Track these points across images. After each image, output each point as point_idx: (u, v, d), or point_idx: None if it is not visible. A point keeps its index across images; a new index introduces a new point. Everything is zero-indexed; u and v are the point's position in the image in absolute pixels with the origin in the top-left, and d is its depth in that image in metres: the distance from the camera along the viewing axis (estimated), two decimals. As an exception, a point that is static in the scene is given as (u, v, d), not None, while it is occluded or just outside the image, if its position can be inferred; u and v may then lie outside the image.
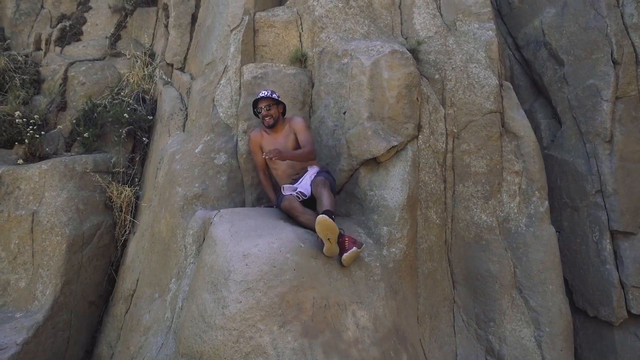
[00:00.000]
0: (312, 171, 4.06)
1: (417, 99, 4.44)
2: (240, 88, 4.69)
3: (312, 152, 4.01)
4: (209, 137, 4.56)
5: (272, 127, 4.20)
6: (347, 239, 3.59)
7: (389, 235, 4.00)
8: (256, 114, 4.28)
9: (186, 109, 5.11)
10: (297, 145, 4.17)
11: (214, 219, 3.81)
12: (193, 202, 4.23)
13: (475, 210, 4.54)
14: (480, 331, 4.28)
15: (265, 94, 4.19)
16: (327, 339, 3.30)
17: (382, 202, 4.10)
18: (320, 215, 3.40)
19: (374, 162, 4.27)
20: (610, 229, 4.61)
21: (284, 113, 4.34)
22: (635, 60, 4.82)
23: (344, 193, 4.37)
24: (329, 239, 3.48)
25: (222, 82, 4.74)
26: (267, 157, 3.70)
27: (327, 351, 3.26)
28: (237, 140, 4.54)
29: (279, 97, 4.24)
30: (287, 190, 3.91)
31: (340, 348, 3.32)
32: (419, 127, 4.46)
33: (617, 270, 4.51)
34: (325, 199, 3.68)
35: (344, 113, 4.45)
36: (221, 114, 4.61)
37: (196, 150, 4.50)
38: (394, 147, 4.22)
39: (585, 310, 4.64)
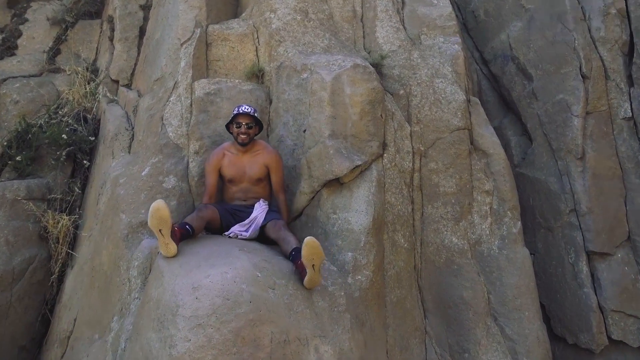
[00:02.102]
0: (262, 209, 4.13)
1: (381, 115, 4.47)
2: (191, 105, 4.65)
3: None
4: (157, 159, 4.49)
5: (244, 146, 4.25)
6: (299, 262, 3.56)
7: (354, 262, 3.95)
8: (227, 127, 4.33)
9: (132, 128, 5.04)
10: (264, 177, 4.25)
11: None
12: (139, 231, 4.14)
13: (445, 232, 4.56)
14: (454, 363, 4.24)
15: (249, 110, 4.27)
16: (287, 379, 3.18)
17: (346, 226, 4.08)
18: (309, 237, 3.40)
19: (337, 183, 4.26)
20: (586, 249, 4.67)
21: (256, 134, 4.43)
22: (604, 75, 4.97)
23: (305, 217, 4.33)
24: (313, 266, 3.43)
25: (171, 99, 4.70)
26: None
27: (287, 393, 3.15)
28: (188, 162, 4.48)
29: (259, 119, 4.31)
30: (235, 230, 3.98)
31: (302, 388, 3.21)
32: (384, 146, 4.48)
33: (595, 294, 4.55)
34: (292, 238, 3.75)
35: (304, 131, 4.44)
36: (170, 134, 4.56)
37: (143, 173, 4.43)
38: (357, 166, 4.22)
39: (564, 337, 4.66)
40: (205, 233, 4.05)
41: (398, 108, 4.76)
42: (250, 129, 4.25)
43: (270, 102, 4.85)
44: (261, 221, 4.05)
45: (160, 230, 3.48)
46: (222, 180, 4.33)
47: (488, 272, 4.44)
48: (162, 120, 4.64)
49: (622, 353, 4.48)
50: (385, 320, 4.11)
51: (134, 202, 4.26)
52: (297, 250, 3.64)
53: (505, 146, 5.17)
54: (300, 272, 3.56)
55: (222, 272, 3.39)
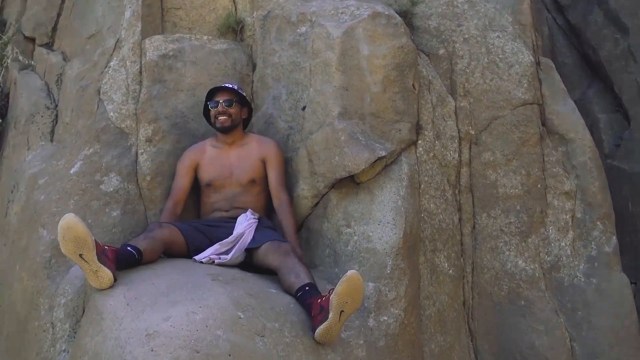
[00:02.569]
0: (248, 223, 4.18)
1: (413, 85, 4.47)
2: (140, 73, 4.69)
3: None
4: (91, 150, 4.52)
5: (226, 132, 4.39)
6: (319, 301, 3.56)
7: (377, 296, 3.94)
8: (206, 113, 4.50)
9: (56, 106, 5.07)
10: (258, 179, 4.39)
11: None
12: None
13: (507, 253, 4.56)
14: None
15: (229, 85, 4.48)
16: None
17: (366, 245, 4.08)
18: (354, 271, 3.43)
19: (352, 183, 4.27)
20: None
21: (247, 123, 4.58)
22: None
23: (306, 232, 4.35)
24: (342, 313, 3.45)
25: (112, 64, 4.73)
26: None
27: None
28: (136, 154, 4.51)
29: (245, 95, 4.49)
30: (209, 253, 4.02)
31: None
32: (417, 129, 4.48)
33: None
34: (302, 269, 3.80)
35: (303, 109, 4.47)
36: (111, 114, 4.59)
37: (72, 171, 4.45)
38: (381, 159, 4.21)
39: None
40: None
41: (437, 75, 4.75)
42: (231, 107, 4.36)
43: (254, 68, 4.86)
44: (249, 240, 4.06)
45: (80, 256, 3.47)
46: (199, 187, 4.45)
47: (570, 309, 4.44)
48: (99, 94, 4.66)
49: None
50: (422, 380, 4.13)
51: (60, 212, 4.19)
52: (313, 287, 3.66)
53: (592, 128, 5.16)
54: (313, 315, 3.55)
55: (189, 313, 3.36)
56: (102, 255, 3.55)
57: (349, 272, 3.42)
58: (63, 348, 3.81)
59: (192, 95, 4.71)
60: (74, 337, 3.77)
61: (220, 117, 4.34)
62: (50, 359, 3.83)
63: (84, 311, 3.74)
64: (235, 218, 4.23)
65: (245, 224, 4.13)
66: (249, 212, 4.24)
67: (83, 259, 3.46)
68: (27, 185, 4.51)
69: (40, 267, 4.10)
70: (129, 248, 3.72)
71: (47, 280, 4.04)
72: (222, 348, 3.27)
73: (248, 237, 4.08)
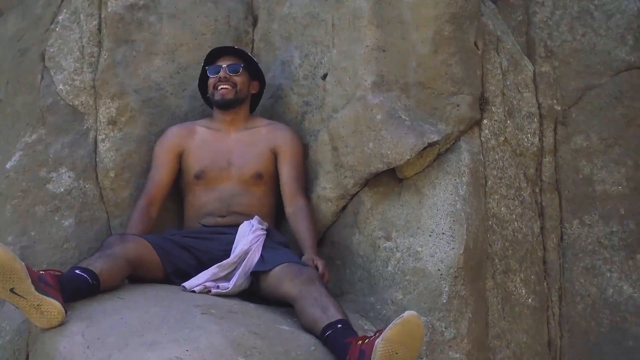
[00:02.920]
0: (255, 235, 4.16)
1: (475, 44, 4.44)
2: (100, 30, 4.72)
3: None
4: (35, 137, 4.54)
5: (227, 107, 4.46)
6: (359, 343, 3.49)
7: (429, 335, 3.86)
8: (202, 87, 4.60)
9: None
10: (265, 173, 4.44)
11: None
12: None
13: (608, 274, 4.56)
14: None
15: (241, 52, 4.57)
16: None
17: (413, 264, 4.03)
18: (413, 312, 3.36)
19: (392, 180, 4.28)
20: None
21: (256, 103, 4.65)
22: None
23: (328, 246, 4.40)
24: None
25: (60, 18, 4.73)
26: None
27: None
28: (95, 141, 4.56)
29: (257, 64, 4.58)
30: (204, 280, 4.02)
31: None
32: (482, 103, 4.43)
33: None
34: (330, 300, 3.76)
35: (324, 77, 4.48)
36: (61, 87, 4.61)
37: (8, 165, 4.49)
38: (432, 145, 4.16)
39: None
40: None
41: (509, 30, 4.75)
42: (237, 74, 4.42)
43: (255, 22, 4.95)
44: (255, 259, 4.03)
45: (12, 290, 3.39)
46: (185, 183, 4.49)
47: None
48: (44, 60, 4.68)
49: None
50: None
51: None
52: (346, 325, 3.59)
53: None
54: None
55: (172, 358, 3.29)
56: (40, 283, 3.47)
57: (407, 313, 3.33)
58: None
59: (170, 60, 4.73)
60: None
61: (222, 87, 4.38)
62: None
63: (27, 357, 3.80)
64: (235, 227, 4.21)
65: (251, 237, 4.10)
66: (255, 220, 4.21)
67: (16, 294, 3.38)
68: None
69: None
70: (77, 271, 3.69)
71: None
72: None
73: (255, 256, 4.06)
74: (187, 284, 3.96)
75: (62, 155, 4.47)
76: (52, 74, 4.61)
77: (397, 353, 3.30)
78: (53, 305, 3.45)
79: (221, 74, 4.39)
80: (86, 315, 3.57)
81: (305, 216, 4.32)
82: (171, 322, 3.52)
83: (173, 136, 4.49)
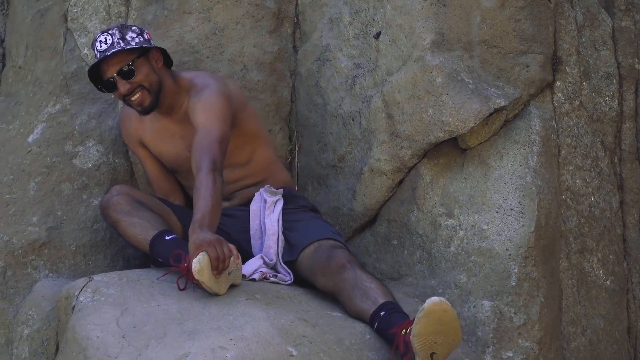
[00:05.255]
0: (267, 204, 4.26)
1: None
2: None
3: (215, 180, 3.93)
4: (58, 107, 4.64)
5: (153, 109, 4.30)
6: (403, 332, 3.61)
7: (497, 321, 4.02)
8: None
9: (2, 42, 5.22)
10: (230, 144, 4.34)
11: (81, 299, 3.77)
12: (28, 261, 4.30)
13: None
14: None
15: (112, 42, 4.19)
16: None
17: (478, 244, 4.15)
18: (436, 299, 3.48)
19: (455, 150, 4.39)
20: None
21: (169, 63, 4.42)
22: None
23: (385, 224, 4.48)
24: (433, 355, 3.52)
25: None
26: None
27: None
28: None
29: (147, 41, 4.30)
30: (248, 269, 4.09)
31: None
32: (555, 64, 4.48)
33: None
34: (373, 284, 3.87)
35: (377, 36, 4.53)
36: (86, 51, 4.68)
37: (31, 138, 4.58)
38: (499, 111, 4.25)
39: None
40: (154, 267, 4.20)
41: None
42: (133, 76, 4.16)
43: None
44: (278, 231, 4.15)
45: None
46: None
47: None
48: (67, 22, 4.76)
49: None
50: None
51: (16, 201, 4.42)
52: (392, 308, 3.73)
53: None
54: (401, 355, 3.60)
55: (215, 348, 3.41)
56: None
57: (428, 303, 3.45)
58: None
59: (205, 19, 4.78)
60: None
61: (132, 99, 4.17)
62: None
63: (57, 347, 3.85)
64: (247, 204, 4.32)
65: (271, 218, 4.20)
66: (264, 193, 4.28)
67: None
68: None
69: None
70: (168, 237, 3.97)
71: (1, 302, 4.18)
72: None
73: (281, 246, 4.15)
74: (244, 271, 4.00)
75: (89, 127, 4.55)
76: (76, 36, 4.68)
77: (435, 343, 3.45)
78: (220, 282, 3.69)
79: (121, 89, 4.13)
80: (120, 302, 3.68)
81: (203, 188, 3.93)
82: (213, 308, 3.61)
83: (129, 129, 4.47)
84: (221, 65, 4.72)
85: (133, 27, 4.26)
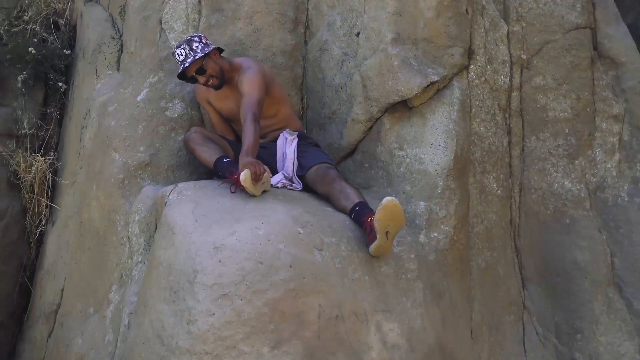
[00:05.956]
0: (288, 141, 4.28)
1: (466, 10, 4.49)
2: (200, 2, 4.78)
3: (255, 127, 4.04)
4: (156, 78, 4.66)
5: (221, 87, 4.36)
6: (369, 220, 3.73)
7: (428, 215, 4.10)
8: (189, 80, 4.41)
9: (120, 37, 5.14)
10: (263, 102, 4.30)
11: (170, 198, 3.89)
12: (138, 175, 4.35)
13: (554, 174, 4.65)
14: (562, 347, 4.44)
15: (184, 57, 4.23)
16: (341, 364, 3.44)
17: (418, 167, 4.19)
18: (389, 198, 3.60)
19: (405, 108, 4.35)
20: None
21: (221, 52, 4.41)
22: None
23: (361, 154, 4.48)
24: (387, 233, 3.64)
25: None
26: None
27: (342, 380, 3.42)
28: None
29: (207, 45, 4.28)
30: (274, 180, 4.16)
31: (361, 376, 3.47)
32: (470, 54, 4.53)
33: None
34: (351, 190, 3.95)
35: (358, 35, 4.51)
36: (173, 43, 4.67)
37: (139, 98, 4.59)
38: (433, 83, 4.28)
39: None
40: (216, 179, 4.19)
41: (491, 0, 4.76)
42: (205, 72, 4.26)
43: None
44: (293, 157, 4.21)
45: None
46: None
47: (613, 227, 4.54)
48: (161, 24, 4.76)
49: None
50: (470, 291, 4.27)
51: (130, 137, 4.44)
52: (363, 205, 3.83)
53: (644, 52, 5.12)
54: (367, 233, 3.73)
55: (253, 228, 3.56)
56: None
57: (385, 200, 3.57)
58: (139, 259, 4.06)
59: (249, 23, 4.75)
60: (149, 250, 4.00)
61: (209, 84, 4.29)
62: (128, 268, 4.09)
63: (156, 227, 3.95)
64: (274, 141, 4.33)
65: (290, 149, 4.25)
66: (285, 133, 4.31)
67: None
68: (98, 113, 4.64)
69: (114, 188, 4.30)
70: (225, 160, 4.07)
71: (122, 200, 4.25)
72: (284, 260, 3.48)
73: (290, 156, 4.23)
74: (272, 181, 4.09)
75: (175, 91, 4.58)
76: (167, 33, 4.70)
77: (389, 225, 3.59)
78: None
79: (200, 81, 4.26)
80: (194, 199, 3.83)
81: (250, 137, 3.99)
82: (252, 204, 3.75)
83: (200, 94, 4.51)
84: (258, 53, 4.69)
85: (195, 37, 4.26)
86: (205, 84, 4.29)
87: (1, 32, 5.25)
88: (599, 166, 4.70)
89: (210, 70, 4.26)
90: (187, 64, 4.20)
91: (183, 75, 4.28)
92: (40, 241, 4.81)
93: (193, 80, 4.30)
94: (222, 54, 4.40)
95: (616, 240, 4.54)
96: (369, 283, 3.70)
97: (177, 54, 4.25)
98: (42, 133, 5.07)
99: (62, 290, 4.49)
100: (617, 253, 4.53)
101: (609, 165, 4.71)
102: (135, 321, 3.77)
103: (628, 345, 4.40)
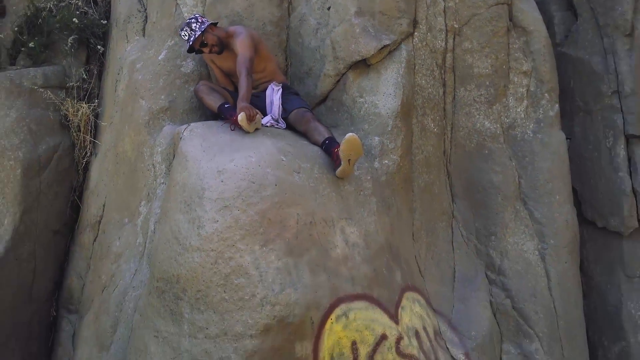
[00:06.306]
0: (274, 91, 4.17)
1: None
2: None
3: (248, 79, 3.96)
4: (173, 42, 4.55)
5: (221, 53, 4.22)
6: (336, 150, 3.72)
7: (381, 146, 4.10)
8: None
9: (145, 10, 5.00)
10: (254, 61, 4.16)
11: (184, 134, 3.86)
12: (159, 117, 4.29)
13: (477, 116, 4.62)
14: (480, 246, 4.49)
15: (187, 37, 4.11)
16: (313, 257, 3.48)
17: (373, 110, 4.17)
18: (351, 134, 3.60)
19: (364, 65, 4.30)
20: (626, 133, 4.70)
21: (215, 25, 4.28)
22: None
23: (331, 101, 4.42)
24: (349, 160, 3.66)
25: None
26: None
27: (314, 269, 3.46)
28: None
29: (203, 23, 4.13)
30: (267, 120, 4.09)
31: (328, 266, 3.52)
32: (414, 23, 4.45)
33: (631, 178, 4.66)
34: (323, 128, 3.91)
35: (329, 8, 4.42)
36: (186, 14, 4.55)
37: (160, 57, 4.50)
38: (386, 46, 4.24)
39: (594, 221, 4.84)
40: (220, 120, 4.10)
41: None
42: (207, 43, 4.13)
43: None
44: (279, 104, 4.11)
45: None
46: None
47: (520, 156, 4.55)
48: (176, 0, 4.64)
49: (652, 235, 4.68)
50: (412, 204, 4.31)
51: (153, 88, 4.37)
52: (332, 139, 3.82)
53: (548, 23, 5.02)
54: (334, 161, 3.75)
55: (247, 156, 3.57)
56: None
57: (347, 135, 3.59)
58: (162, 181, 4.06)
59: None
60: (168, 174, 4.00)
61: (212, 51, 4.18)
62: (153, 188, 4.09)
63: (174, 156, 3.95)
64: (264, 91, 4.21)
65: (276, 97, 4.13)
66: (273, 84, 4.19)
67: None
68: (128, 69, 4.56)
69: (141, 127, 4.26)
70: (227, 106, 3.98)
71: (147, 136, 4.23)
72: (270, 180, 3.52)
73: (280, 108, 4.13)
74: (263, 122, 4.00)
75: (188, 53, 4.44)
76: (181, 7, 4.57)
77: (351, 154, 3.61)
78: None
79: (205, 52, 4.16)
80: (203, 135, 3.80)
81: (244, 86, 3.93)
82: (247, 139, 3.75)
83: (205, 55, 4.30)
84: (252, 23, 4.54)
85: (192, 19, 4.14)
86: (210, 52, 4.19)
87: (51, 6, 5.09)
88: (511, 110, 4.66)
89: (210, 42, 4.13)
90: (191, 42, 4.12)
91: (191, 49, 4.18)
92: (86, 169, 4.78)
93: (200, 52, 4.20)
94: (218, 25, 4.28)
95: (522, 166, 4.54)
96: (335, 198, 3.74)
97: (182, 35, 4.18)
98: (86, 85, 4.96)
99: (104, 206, 4.47)
100: (523, 176, 4.54)
101: (519, 110, 4.66)
102: (158, 227, 3.79)
103: (529, 244, 4.45)
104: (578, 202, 4.87)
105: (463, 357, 4.04)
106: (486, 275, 4.42)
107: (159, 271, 3.52)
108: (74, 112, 4.76)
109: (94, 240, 4.44)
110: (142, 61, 4.56)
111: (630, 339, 4.58)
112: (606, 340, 4.73)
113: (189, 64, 4.49)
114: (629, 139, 4.71)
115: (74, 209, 4.74)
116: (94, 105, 4.84)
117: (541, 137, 4.56)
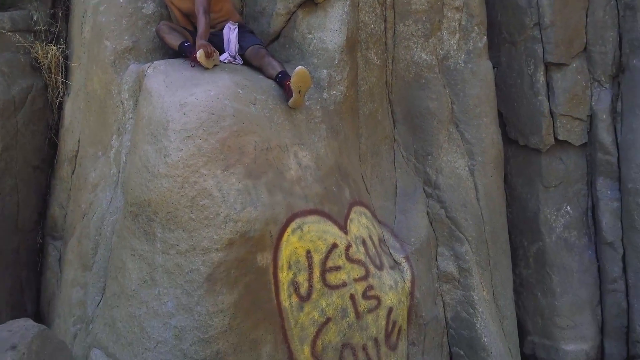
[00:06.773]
0: (231, 29, 4.00)
1: None
2: None
3: (206, 18, 3.76)
4: None
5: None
6: (288, 82, 3.67)
7: (329, 78, 4.03)
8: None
9: None
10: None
11: (148, 72, 3.73)
12: (124, 57, 4.11)
13: (415, 49, 4.55)
14: (418, 165, 4.54)
15: None
16: (270, 179, 3.48)
17: (321, 45, 4.07)
18: (300, 67, 3.53)
19: (312, 4, 4.14)
20: (545, 61, 4.71)
21: None
22: None
23: (283, 38, 4.27)
24: (300, 91, 3.60)
25: None
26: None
27: (271, 190, 3.47)
28: None
29: None
30: (225, 57, 3.96)
31: (284, 186, 3.53)
32: None
33: (549, 101, 4.72)
34: (276, 63, 3.80)
35: None
36: None
37: (121, 0, 4.25)
38: None
39: (517, 140, 4.93)
40: (182, 58, 3.92)
41: None
42: None
43: None
44: (235, 41, 3.97)
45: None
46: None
47: (453, 84, 4.53)
48: None
49: (565, 151, 4.78)
50: (358, 130, 4.30)
51: (117, 29, 4.15)
52: (284, 73, 3.72)
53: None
54: (287, 93, 3.68)
55: (206, 90, 3.49)
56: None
57: (297, 69, 3.53)
58: (130, 116, 3.94)
59: None
60: (136, 109, 3.89)
61: None
62: (123, 123, 3.98)
63: (140, 92, 3.83)
64: (222, 30, 4.01)
65: (232, 35, 3.99)
66: (229, 23, 4.00)
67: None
68: (92, 12, 4.29)
69: (108, 66, 4.08)
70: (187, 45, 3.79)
71: (115, 75, 4.07)
72: (229, 111, 3.46)
73: (237, 46, 3.99)
74: (220, 58, 3.85)
75: None
76: None
77: (301, 85, 3.56)
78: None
79: None
80: (165, 72, 3.68)
81: (202, 24, 3.79)
82: (207, 75, 3.64)
83: None
84: None
85: None
86: None
87: (14, -49, 4.68)
88: (445, 43, 4.58)
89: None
90: None
91: None
92: (60, 108, 4.57)
93: None
94: None
95: (455, 93, 4.52)
96: (289, 126, 3.72)
97: None
98: (53, 29, 4.65)
99: (79, 141, 4.34)
100: (455, 102, 4.54)
101: (452, 42, 4.58)
102: (129, 158, 3.72)
103: (460, 161, 4.50)
104: (503, 123, 4.93)
105: (404, 260, 4.17)
106: (424, 189, 4.49)
107: (132, 197, 3.50)
108: (43, 54, 4.49)
109: (72, 173, 4.33)
110: (104, 4, 4.25)
111: (546, 239, 4.78)
112: (526, 241, 4.92)
113: (149, 6, 4.24)
114: (547, 66, 4.73)
115: (52, 145, 4.58)
116: (63, 47, 4.58)
117: (471, 67, 4.53)
